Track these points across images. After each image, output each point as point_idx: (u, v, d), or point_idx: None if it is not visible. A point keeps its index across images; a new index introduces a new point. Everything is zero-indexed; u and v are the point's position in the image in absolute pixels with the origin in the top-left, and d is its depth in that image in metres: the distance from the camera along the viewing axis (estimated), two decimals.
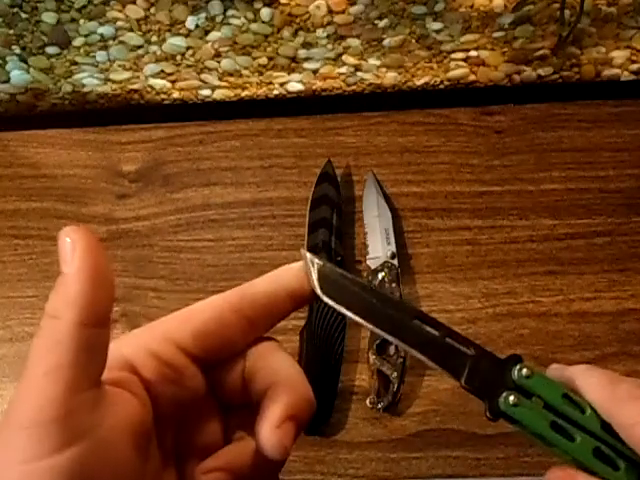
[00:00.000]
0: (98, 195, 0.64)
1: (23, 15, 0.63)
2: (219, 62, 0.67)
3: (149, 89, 0.69)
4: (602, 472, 0.28)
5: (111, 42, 0.65)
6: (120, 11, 0.63)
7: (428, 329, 0.30)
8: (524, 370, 0.29)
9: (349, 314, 0.30)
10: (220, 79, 0.68)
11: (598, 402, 0.29)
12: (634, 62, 0.67)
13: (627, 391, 0.29)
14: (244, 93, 0.69)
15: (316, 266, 0.30)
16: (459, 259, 0.59)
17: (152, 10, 0.63)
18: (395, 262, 0.57)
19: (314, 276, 0.30)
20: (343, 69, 0.67)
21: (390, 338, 0.30)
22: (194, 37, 0.65)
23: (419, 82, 0.68)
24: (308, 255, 0.30)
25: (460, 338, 0.30)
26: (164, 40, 0.65)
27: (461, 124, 0.65)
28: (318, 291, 0.29)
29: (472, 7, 0.63)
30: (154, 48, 0.66)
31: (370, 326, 0.30)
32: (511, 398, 0.29)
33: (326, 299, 0.30)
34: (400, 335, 0.30)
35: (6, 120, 0.70)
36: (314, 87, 0.68)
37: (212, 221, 0.62)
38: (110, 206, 0.63)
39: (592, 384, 0.30)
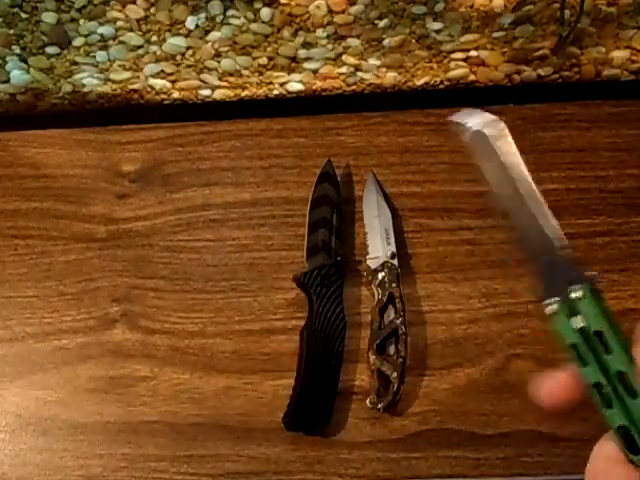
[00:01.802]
0: (98, 195, 0.64)
1: (23, 15, 0.63)
2: (219, 62, 0.67)
3: (149, 89, 0.69)
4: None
5: (111, 42, 0.65)
6: (120, 11, 0.63)
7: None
8: (580, 291, 0.30)
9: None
10: (220, 79, 0.68)
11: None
12: (634, 62, 0.67)
13: None
14: (244, 93, 0.69)
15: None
16: (459, 259, 0.59)
17: (152, 10, 0.63)
18: (395, 262, 0.57)
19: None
20: (343, 69, 0.67)
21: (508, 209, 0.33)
22: (194, 37, 0.65)
23: (419, 82, 0.68)
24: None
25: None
26: (164, 40, 0.65)
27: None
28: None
29: (472, 7, 0.63)
30: (154, 48, 0.66)
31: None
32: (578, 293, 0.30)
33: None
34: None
35: (6, 120, 0.70)
36: (314, 87, 0.68)
37: (212, 221, 0.62)
38: (110, 206, 0.63)
39: None
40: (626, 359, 0.30)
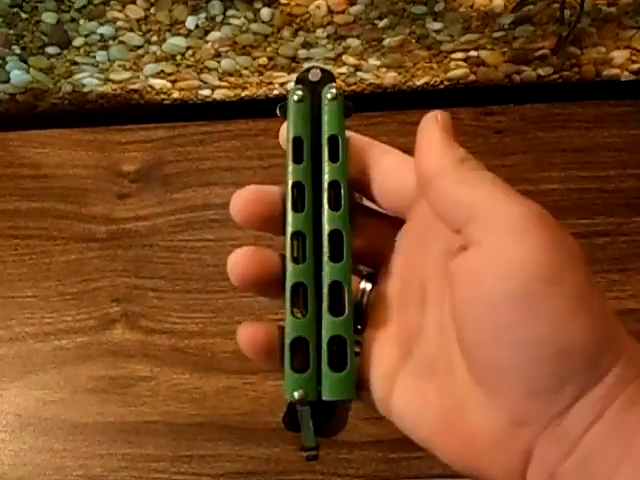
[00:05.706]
0: (98, 195, 0.64)
1: (23, 15, 0.63)
2: (219, 62, 0.67)
3: (149, 89, 0.69)
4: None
5: (111, 42, 0.65)
6: (120, 11, 0.63)
7: None
8: (332, 90, 0.30)
9: None
10: (220, 79, 0.68)
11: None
12: (634, 62, 0.67)
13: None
14: (244, 93, 0.69)
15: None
16: None
17: (152, 10, 0.63)
18: None
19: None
20: (343, 69, 0.67)
21: None
22: (194, 37, 0.65)
23: (419, 82, 0.68)
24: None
25: None
26: (164, 40, 0.65)
27: (461, 124, 0.65)
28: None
29: (472, 7, 0.63)
30: (154, 48, 0.66)
31: None
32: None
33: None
34: None
35: (6, 120, 0.70)
36: None
37: (212, 221, 0.62)
38: (110, 206, 0.63)
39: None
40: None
